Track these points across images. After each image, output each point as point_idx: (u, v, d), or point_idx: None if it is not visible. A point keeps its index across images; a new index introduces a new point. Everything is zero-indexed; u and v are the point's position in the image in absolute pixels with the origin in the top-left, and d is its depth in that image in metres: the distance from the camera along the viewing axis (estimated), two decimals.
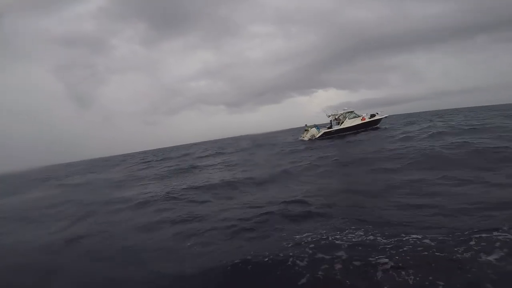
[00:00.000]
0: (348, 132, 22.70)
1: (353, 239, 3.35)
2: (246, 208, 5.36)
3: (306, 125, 24.42)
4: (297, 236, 3.65)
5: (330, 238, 3.45)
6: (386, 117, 24.35)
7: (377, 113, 23.71)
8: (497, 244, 2.82)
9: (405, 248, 2.97)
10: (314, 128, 23.46)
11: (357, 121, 23.12)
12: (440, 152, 8.20)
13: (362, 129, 22.96)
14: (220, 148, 29.08)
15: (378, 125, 23.97)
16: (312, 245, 3.29)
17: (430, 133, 13.35)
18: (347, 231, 3.62)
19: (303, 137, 23.50)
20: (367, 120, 23.19)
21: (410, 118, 36.80)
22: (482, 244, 2.86)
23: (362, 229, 3.62)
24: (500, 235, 2.98)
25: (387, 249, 3.00)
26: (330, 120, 24.09)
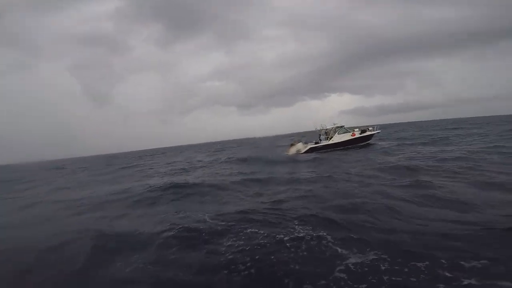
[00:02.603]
0: (337, 148, 22.01)
1: None
2: None
3: (292, 139, 23.95)
4: None
5: None
6: (378, 132, 23.31)
7: (369, 129, 22.78)
8: None
9: None
10: (300, 143, 22.99)
11: (347, 137, 22.33)
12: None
13: (352, 145, 22.20)
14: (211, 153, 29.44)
15: (369, 141, 23.02)
16: None
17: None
18: None
19: (288, 152, 23.08)
20: (357, 136, 22.36)
21: (421, 132, 34.94)
22: None
23: None
24: None
25: None
26: (319, 135, 23.46)
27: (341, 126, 22.88)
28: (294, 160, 17.86)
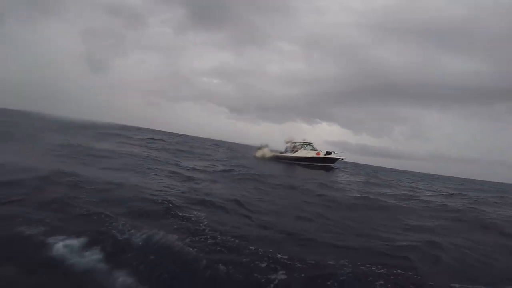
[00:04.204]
0: (299, 162, 22.63)
1: None
2: None
3: (261, 144, 24.50)
4: None
5: None
6: (342, 159, 24.18)
7: (333, 152, 23.60)
8: None
9: None
10: (267, 149, 23.59)
11: (311, 154, 23.06)
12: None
13: (314, 164, 22.84)
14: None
15: (332, 164, 23.78)
16: None
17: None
18: None
19: (255, 154, 23.58)
20: (321, 155, 23.13)
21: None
22: None
23: None
24: None
25: None
26: (286, 147, 24.13)
27: (310, 143, 23.69)
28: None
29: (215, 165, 12.29)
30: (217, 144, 40.64)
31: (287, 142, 24.24)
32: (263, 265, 2.98)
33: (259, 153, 23.23)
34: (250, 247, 3.34)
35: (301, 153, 23.04)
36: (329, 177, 15.22)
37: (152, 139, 22.62)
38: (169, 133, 60.91)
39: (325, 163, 23.28)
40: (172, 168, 9.09)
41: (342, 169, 24.43)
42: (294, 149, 23.58)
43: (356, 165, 56.76)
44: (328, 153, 23.37)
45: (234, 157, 18.88)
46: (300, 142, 23.68)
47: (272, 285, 2.66)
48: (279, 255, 3.20)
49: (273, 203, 6.30)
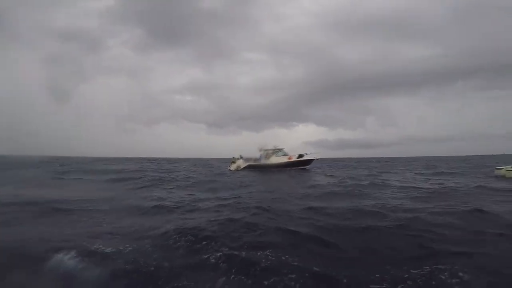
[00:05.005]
0: (274, 169, 22.87)
1: None
2: None
3: (233, 157, 24.54)
4: None
5: None
6: (317, 159, 24.78)
7: (306, 154, 24.16)
8: None
9: None
10: (241, 160, 23.71)
11: (283, 159, 23.48)
12: None
13: (290, 168, 23.18)
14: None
15: (307, 166, 24.27)
16: None
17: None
18: None
19: (230, 167, 23.56)
20: (293, 159, 23.59)
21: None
22: None
23: None
24: None
25: None
26: (260, 155, 24.37)
27: (281, 149, 24.14)
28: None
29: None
30: (195, 164, 39.91)
31: (260, 150, 24.47)
32: None
33: (233, 166, 23.27)
34: None
35: (273, 160, 23.40)
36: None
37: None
38: (148, 158, 59.22)
39: (300, 166, 23.76)
40: None
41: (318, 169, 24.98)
42: (267, 156, 23.86)
43: (334, 160, 58.19)
44: (300, 156, 23.92)
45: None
46: (272, 149, 24.03)
47: None
48: None
49: None
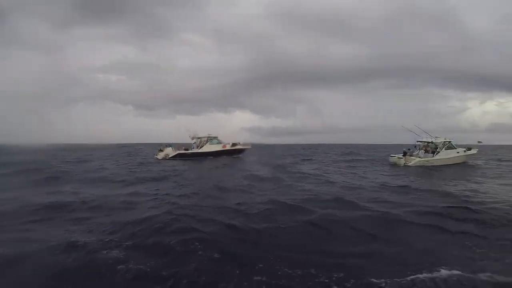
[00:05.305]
0: (206, 157, 22.40)
1: None
2: None
3: (161, 145, 23.03)
4: None
5: None
6: (249, 148, 25.35)
7: (239, 143, 24.45)
8: None
9: None
10: (170, 148, 22.46)
11: (217, 148, 23.23)
12: None
13: (224, 155, 23.05)
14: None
15: (240, 155, 24.60)
16: None
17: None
18: None
19: (157, 156, 22.00)
20: (228, 148, 23.60)
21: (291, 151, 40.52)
22: None
23: None
24: None
25: None
26: (194, 142, 23.51)
27: (215, 137, 23.73)
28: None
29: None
30: (121, 151, 35.78)
31: (192, 138, 23.54)
32: None
33: (161, 155, 21.77)
34: None
35: (207, 148, 22.90)
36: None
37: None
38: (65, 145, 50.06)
39: (233, 154, 23.94)
40: None
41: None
42: (200, 144, 23.18)
43: (267, 147, 60.92)
44: (234, 144, 24.06)
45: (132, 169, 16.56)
46: (205, 136, 23.42)
47: None
48: None
49: None
